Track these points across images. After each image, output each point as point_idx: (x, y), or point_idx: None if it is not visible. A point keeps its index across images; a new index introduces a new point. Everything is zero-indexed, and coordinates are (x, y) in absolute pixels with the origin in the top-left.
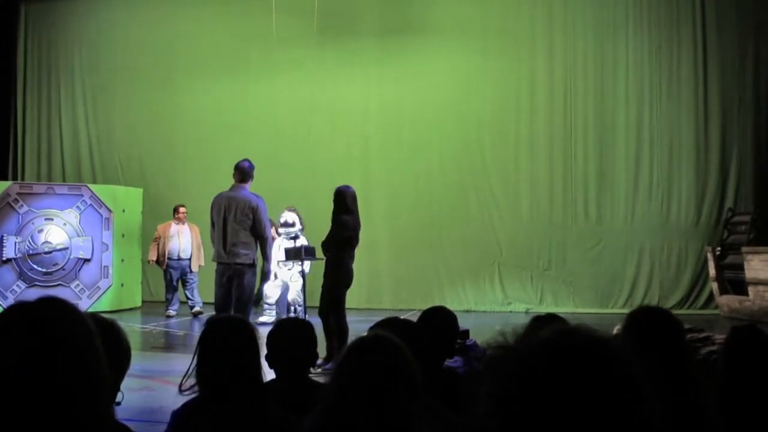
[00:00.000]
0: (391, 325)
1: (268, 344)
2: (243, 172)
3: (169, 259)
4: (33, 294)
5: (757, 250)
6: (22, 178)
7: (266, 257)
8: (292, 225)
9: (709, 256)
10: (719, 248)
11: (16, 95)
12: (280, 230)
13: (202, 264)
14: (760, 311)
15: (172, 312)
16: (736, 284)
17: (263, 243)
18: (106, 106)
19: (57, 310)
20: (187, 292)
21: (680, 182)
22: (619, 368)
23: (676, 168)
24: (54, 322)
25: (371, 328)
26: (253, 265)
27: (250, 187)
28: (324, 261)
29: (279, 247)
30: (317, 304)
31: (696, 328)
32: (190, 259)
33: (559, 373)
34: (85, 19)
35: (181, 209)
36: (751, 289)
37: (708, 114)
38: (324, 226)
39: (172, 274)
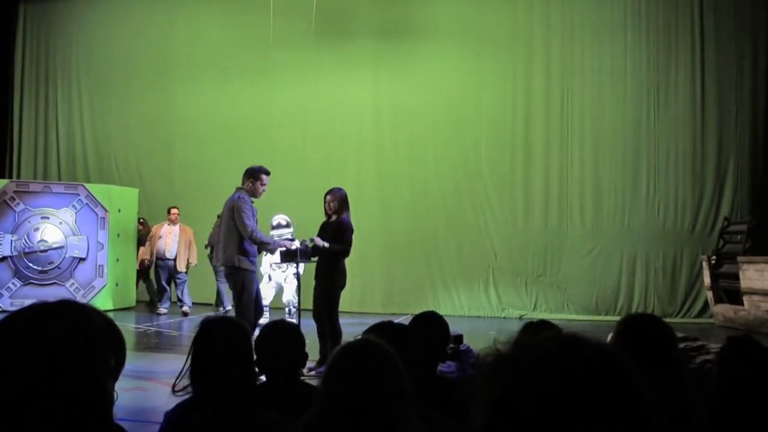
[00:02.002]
0: (384, 329)
1: (256, 350)
2: (246, 175)
3: (157, 258)
4: (28, 292)
5: (753, 260)
6: (18, 177)
7: (268, 250)
8: (286, 226)
9: (704, 264)
10: (714, 257)
11: (14, 94)
12: (273, 232)
13: (194, 262)
14: (755, 321)
15: (162, 310)
16: (731, 293)
17: (252, 240)
18: (103, 106)
19: (73, 314)
20: (177, 292)
21: (676, 189)
22: (624, 376)
23: (672, 175)
24: (68, 326)
25: (365, 332)
26: (236, 268)
27: (253, 186)
28: (315, 263)
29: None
30: (311, 306)
31: (690, 336)
32: (175, 260)
33: (565, 381)
34: (83, 20)
35: (173, 210)
36: (746, 299)
37: (705, 121)
38: (317, 228)
39: (161, 273)
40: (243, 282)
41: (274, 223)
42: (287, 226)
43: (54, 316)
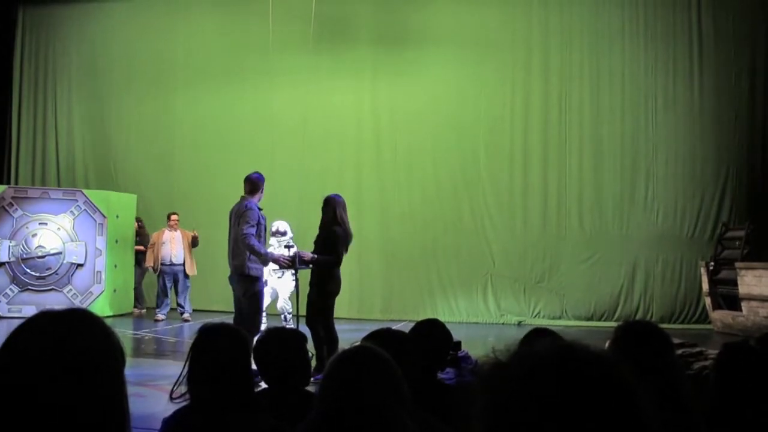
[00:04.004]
0: (383, 336)
1: (255, 356)
2: (251, 184)
3: (162, 264)
4: (26, 298)
5: (751, 266)
6: (16, 182)
7: (261, 261)
8: (284, 234)
9: (703, 270)
10: (712, 263)
11: (13, 99)
12: (273, 239)
13: (194, 273)
14: (754, 327)
15: (160, 316)
16: (730, 299)
17: (243, 244)
18: (102, 111)
19: (87, 324)
20: (179, 299)
21: (675, 195)
22: (622, 384)
23: (671, 181)
24: (83, 338)
25: (364, 339)
26: (246, 276)
27: (259, 198)
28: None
29: None
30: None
31: (689, 342)
32: (183, 264)
33: (562, 389)
34: (82, 25)
35: (173, 216)
36: (744, 305)
37: (703, 127)
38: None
39: (165, 279)
40: (254, 291)
41: (273, 229)
42: (284, 233)
43: (65, 324)
